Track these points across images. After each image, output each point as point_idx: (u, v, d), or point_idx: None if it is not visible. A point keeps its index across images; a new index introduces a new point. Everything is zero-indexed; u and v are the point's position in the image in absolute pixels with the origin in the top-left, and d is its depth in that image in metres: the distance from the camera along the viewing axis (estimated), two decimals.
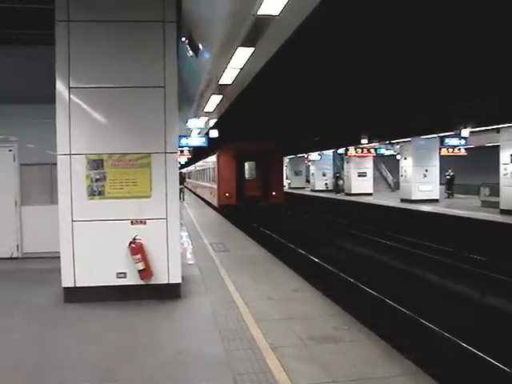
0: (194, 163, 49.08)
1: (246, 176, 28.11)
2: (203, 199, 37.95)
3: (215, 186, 29.16)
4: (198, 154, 36.53)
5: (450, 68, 16.38)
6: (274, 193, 27.65)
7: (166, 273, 8.42)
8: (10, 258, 12.01)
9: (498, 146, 23.91)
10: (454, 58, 15.62)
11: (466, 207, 25.89)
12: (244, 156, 27.71)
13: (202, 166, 40.54)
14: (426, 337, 9.82)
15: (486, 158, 34.50)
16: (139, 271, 8.22)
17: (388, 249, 19.66)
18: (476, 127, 25.04)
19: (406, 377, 5.47)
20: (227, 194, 27.72)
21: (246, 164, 28.11)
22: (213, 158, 30.45)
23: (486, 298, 12.66)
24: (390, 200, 32.39)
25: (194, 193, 47.69)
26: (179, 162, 10.20)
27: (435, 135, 29.03)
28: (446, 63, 16.04)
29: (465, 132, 25.64)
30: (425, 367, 6.52)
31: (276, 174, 28.54)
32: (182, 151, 27.79)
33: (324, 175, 47.78)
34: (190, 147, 25.71)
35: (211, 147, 26.64)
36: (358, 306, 11.38)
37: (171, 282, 8.45)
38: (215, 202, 29.44)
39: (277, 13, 6.91)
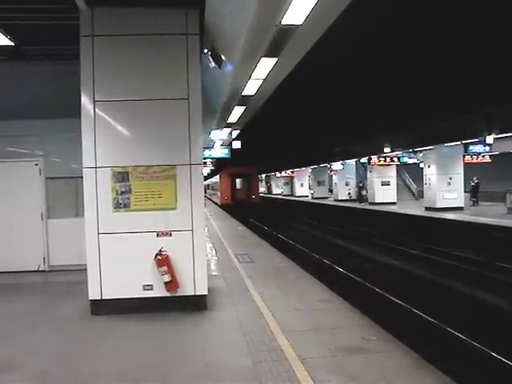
0: (208, 179, 67.01)
1: (237, 187, 47.46)
2: (212, 201, 58.01)
3: (219, 193, 48.86)
4: (211, 173, 53.62)
5: (473, 74, 16.23)
6: (253, 196, 46.85)
7: (193, 284, 8.41)
8: (37, 271, 12.10)
9: None
10: (478, 65, 15.49)
11: (491, 215, 25.57)
12: (235, 175, 47.19)
13: (211, 181, 63.30)
14: (459, 347, 9.61)
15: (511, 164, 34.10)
16: (165, 283, 8.22)
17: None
18: (500, 133, 24.78)
19: None
20: (226, 198, 46.79)
21: (237, 180, 47.45)
22: (217, 177, 50.55)
23: None
24: (415, 209, 32.13)
25: (209, 198, 63.19)
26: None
27: (459, 142, 28.79)
28: (470, 69, 15.90)
29: (489, 138, 25.38)
30: (457, 378, 6.37)
31: (254, 185, 48.28)
32: (205, 163, 29.06)
33: (347, 184, 47.56)
34: (212, 159, 26.47)
35: (216, 170, 46.48)
36: (387, 316, 11.15)
37: (197, 293, 8.43)
38: (219, 202, 48.88)
39: (300, 22, 6.88)
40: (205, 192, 57.53)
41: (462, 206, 30.34)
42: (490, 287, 14.29)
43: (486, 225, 22.03)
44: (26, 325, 8.00)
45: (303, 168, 60.74)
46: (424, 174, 32.12)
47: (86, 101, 8.28)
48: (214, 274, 11.86)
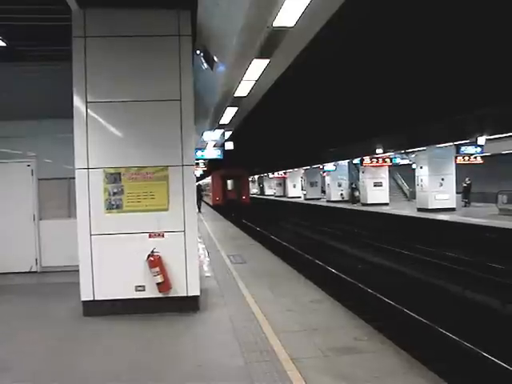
0: (201, 180, 68.08)
1: (228, 188, 48.33)
2: (205, 201, 55.65)
3: (211, 194, 49.70)
4: (203, 175, 55.65)
5: (465, 76, 16.30)
6: (243, 197, 47.51)
7: (185, 285, 8.41)
8: (29, 272, 12.07)
9: None
10: (469, 66, 15.57)
11: (483, 215, 25.65)
12: (227, 177, 48.15)
13: (204, 182, 63.38)
14: (450, 348, 9.63)
15: (503, 165, 34.24)
16: (158, 284, 8.22)
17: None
18: (492, 135, 24.89)
19: None
20: (217, 198, 47.55)
21: (228, 181, 48.27)
22: (209, 178, 51.70)
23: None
24: (407, 210, 32.21)
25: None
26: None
27: (451, 144, 28.89)
28: (462, 71, 15.98)
29: (481, 140, 25.49)
30: (448, 378, 6.40)
31: (245, 186, 49.44)
32: (197, 164, 29.45)
33: (339, 186, 47.53)
34: (205, 160, 26.71)
35: (208, 172, 49.66)
36: (380, 316, 11.19)
37: (190, 294, 8.44)
38: (211, 203, 49.84)
39: (291, 24, 6.92)
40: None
41: (454, 206, 30.40)
42: (479, 286, 14.34)
43: (477, 225, 22.11)
44: (18, 326, 8.00)
45: (296, 169, 60.78)
46: (416, 175, 32.15)
47: (78, 102, 8.27)
48: (206, 274, 11.86)
